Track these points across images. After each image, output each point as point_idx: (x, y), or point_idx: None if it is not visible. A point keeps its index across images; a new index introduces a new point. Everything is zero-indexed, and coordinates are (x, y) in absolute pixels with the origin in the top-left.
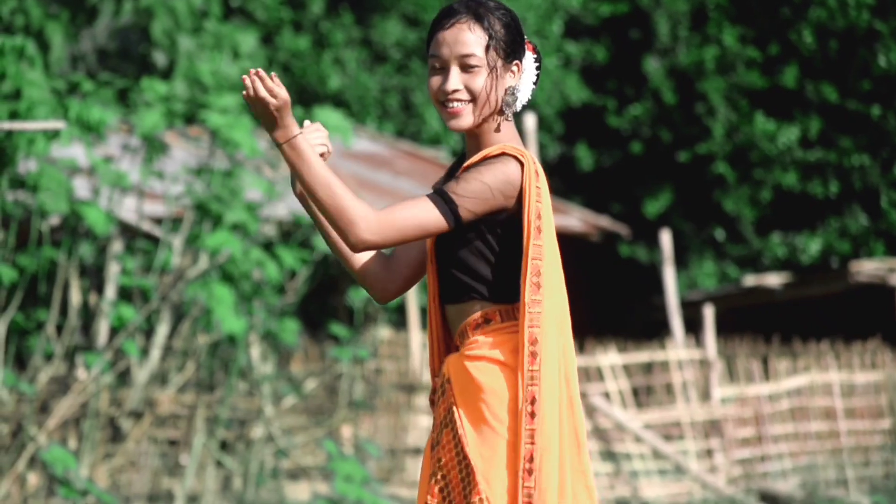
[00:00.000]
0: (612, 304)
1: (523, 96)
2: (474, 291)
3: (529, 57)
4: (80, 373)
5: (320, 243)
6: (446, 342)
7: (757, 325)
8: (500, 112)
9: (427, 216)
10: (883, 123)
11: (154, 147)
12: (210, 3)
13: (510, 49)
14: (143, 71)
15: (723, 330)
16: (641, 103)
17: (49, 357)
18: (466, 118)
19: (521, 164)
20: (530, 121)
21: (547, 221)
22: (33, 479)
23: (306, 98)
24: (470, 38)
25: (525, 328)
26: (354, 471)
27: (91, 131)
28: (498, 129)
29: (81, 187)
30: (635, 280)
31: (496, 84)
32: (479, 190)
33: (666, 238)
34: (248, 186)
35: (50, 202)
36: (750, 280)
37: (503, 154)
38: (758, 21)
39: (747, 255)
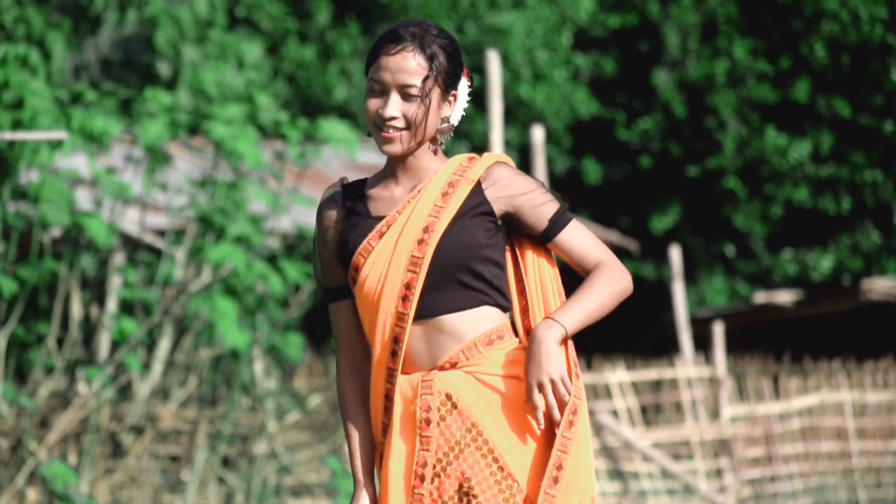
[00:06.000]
0: (621, 321)
1: (454, 121)
2: (485, 297)
3: (464, 84)
4: (81, 387)
5: None
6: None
7: (767, 342)
8: (434, 140)
9: (588, 230)
10: (895, 139)
11: (157, 158)
12: (215, 13)
13: (450, 80)
14: (147, 81)
15: (733, 348)
16: (651, 117)
17: (49, 371)
18: (399, 144)
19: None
20: (538, 134)
21: None
22: (33, 494)
23: (312, 109)
24: (413, 67)
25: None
26: None
27: (94, 142)
28: (436, 153)
29: (83, 198)
30: (644, 296)
31: (433, 114)
32: (547, 192)
33: (675, 254)
34: (252, 198)
35: (51, 213)
36: (760, 297)
37: (502, 162)
38: (769, 34)
39: (758, 271)
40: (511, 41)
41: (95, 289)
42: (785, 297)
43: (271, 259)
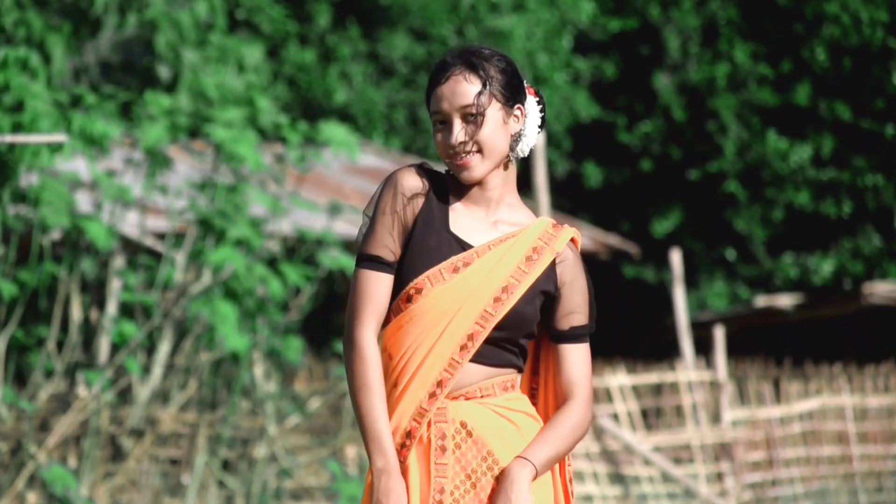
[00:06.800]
0: (622, 325)
1: (530, 141)
2: (517, 361)
3: (532, 101)
4: (81, 390)
5: (325, 260)
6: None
7: (768, 346)
8: (508, 162)
9: (590, 363)
10: None
11: (157, 161)
12: (215, 16)
13: (509, 93)
14: (147, 84)
15: (733, 351)
16: (651, 120)
17: (49, 374)
18: (478, 169)
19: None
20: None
21: None
22: (32, 498)
23: (312, 112)
24: (467, 89)
25: None
26: (358, 492)
27: (94, 145)
28: (508, 177)
29: (83, 201)
30: (645, 300)
31: (498, 130)
32: (590, 302)
33: (676, 257)
34: (252, 202)
35: (51, 216)
36: (761, 301)
37: (574, 239)
38: (770, 38)
39: (758, 275)
40: (512, 44)
41: (95, 292)
42: (786, 300)
43: (271, 262)
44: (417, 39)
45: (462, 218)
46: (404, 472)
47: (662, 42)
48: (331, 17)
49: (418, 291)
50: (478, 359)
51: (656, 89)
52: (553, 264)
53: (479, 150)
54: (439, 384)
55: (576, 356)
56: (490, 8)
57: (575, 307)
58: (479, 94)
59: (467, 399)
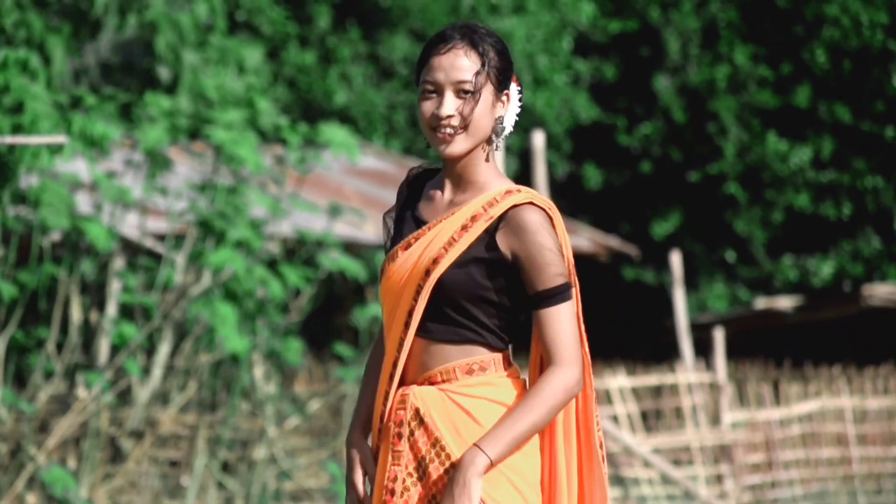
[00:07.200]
0: (621, 326)
1: (507, 128)
2: (476, 337)
3: (514, 88)
4: (81, 391)
5: (325, 261)
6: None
7: (768, 348)
8: (489, 142)
9: (575, 320)
10: None
11: (157, 162)
12: (215, 18)
13: (502, 77)
14: (147, 85)
15: (733, 353)
16: (651, 122)
17: (49, 375)
18: (459, 145)
19: (549, 216)
20: (538, 139)
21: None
22: (32, 499)
23: (312, 114)
24: (465, 64)
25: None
26: None
27: (94, 146)
28: (487, 159)
29: (83, 203)
30: (644, 302)
31: (487, 112)
32: (557, 260)
33: (676, 259)
34: (252, 203)
35: (51, 217)
36: (761, 303)
37: (531, 204)
38: (770, 40)
39: (758, 277)
40: (512, 46)
41: (95, 293)
42: (785, 302)
43: (271, 264)
44: (418, 41)
45: (428, 201)
46: (375, 458)
47: (662, 44)
48: (331, 19)
49: (382, 272)
50: (426, 335)
51: (656, 91)
52: (490, 231)
53: (465, 128)
54: (394, 364)
55: (546, 320)
56: (490, 9)
57: (533, 271)
58: (478, 73)
59: (432, 384)
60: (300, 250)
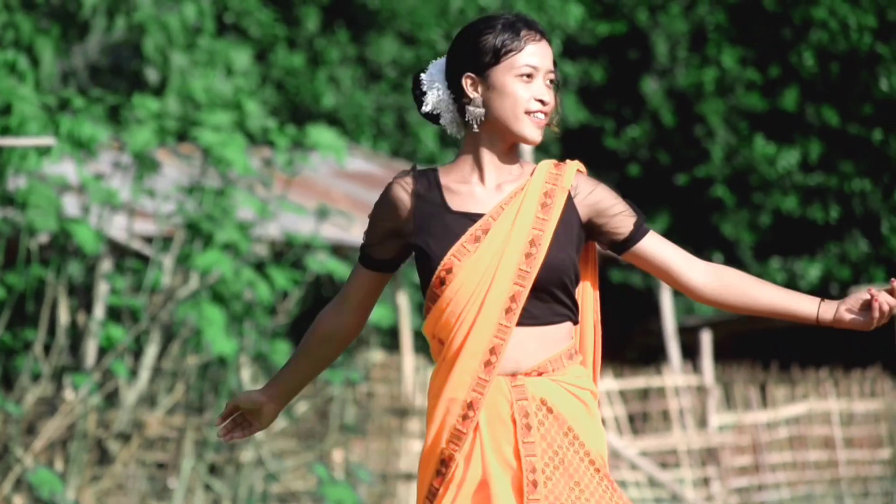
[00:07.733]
0: (609, 329)
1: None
2: (569, 313)
3: None
4: (68, 394)
5: (313, 263)
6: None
7: (755, 351)
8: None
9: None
10: (884, 148)
11: (145, 165)
12: (203, 20)
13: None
14: (135, 87)
15: (720, 356)
16: (639, 125)
17: (36, 377)
18: (542, 132)
19: None
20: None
21: None
22: (19, 501)
23: (300, 116)
24: (551, 56)
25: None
26: (345, 496)
27: (82, 148)
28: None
29: (71, 205)
30: (632, 305)
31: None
32: (627, 201)
33: None
34: (239, 205)
35: (39, 220)
36: None
37: (579, 170)
38: (758, 43)
39: None
40: None
41: (82, 295)
42: None
43: (259, 266)
44: (406, 44)
45: (462, 193)
46: (471, 446)
47: (650, 47)
48: (319, 21)
49: (448, 271)
50: (528, 321)
51: (644, 94)
52: (569, 200)
53: (546, 115)
54: (492, 352)
55: (655, 243)
56: (478, 12)
57: (619, 214)
58: (556, 64)
59: (540, 375)
60: (288, 252)
